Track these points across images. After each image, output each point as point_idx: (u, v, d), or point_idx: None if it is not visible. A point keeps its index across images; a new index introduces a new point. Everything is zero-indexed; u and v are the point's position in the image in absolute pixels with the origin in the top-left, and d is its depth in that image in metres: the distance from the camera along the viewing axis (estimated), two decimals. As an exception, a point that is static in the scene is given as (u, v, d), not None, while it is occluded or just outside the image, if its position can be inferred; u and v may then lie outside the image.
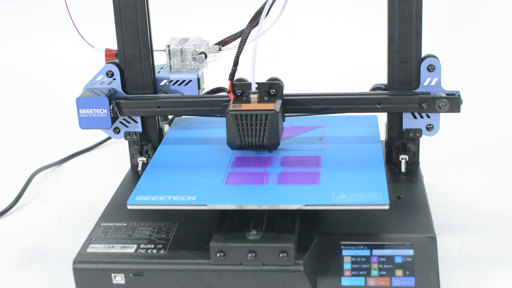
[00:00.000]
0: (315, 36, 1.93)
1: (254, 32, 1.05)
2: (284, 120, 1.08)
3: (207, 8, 1.96)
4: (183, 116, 1.21)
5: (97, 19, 1.71)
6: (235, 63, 1.03)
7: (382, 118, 1.16)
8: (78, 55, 1.78)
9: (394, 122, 1.11)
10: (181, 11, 1.96)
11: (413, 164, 1.12)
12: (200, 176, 1.01)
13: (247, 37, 1.03)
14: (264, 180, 0.98)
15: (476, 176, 1.30)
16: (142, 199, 0.95)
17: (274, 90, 1.05)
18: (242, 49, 1.03)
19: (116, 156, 1.45)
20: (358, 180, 0.97)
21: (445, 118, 1.13)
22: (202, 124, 1.21)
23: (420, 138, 1.12)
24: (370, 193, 0.93)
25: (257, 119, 1.01)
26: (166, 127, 1.21)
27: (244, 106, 1.03)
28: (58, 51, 1.97)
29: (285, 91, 1.07)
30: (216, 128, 1.17)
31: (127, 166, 1.21)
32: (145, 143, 1.17)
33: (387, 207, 0.90)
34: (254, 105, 1.03)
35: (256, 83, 1.04)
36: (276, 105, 1.02)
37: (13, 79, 1.93)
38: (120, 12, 1.09)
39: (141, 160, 1.17)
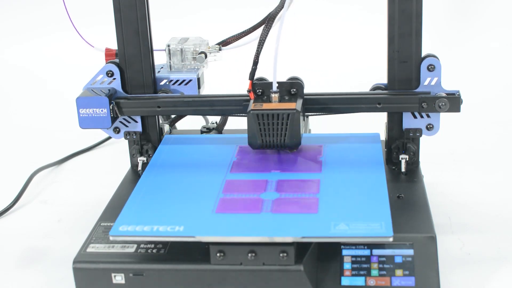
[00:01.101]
0: (314, 36, 1.93)
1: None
2: (304, 120, 1.06)
3: (207, 8, 1.96)
4: (172, 135, 1.20)
5: (97, 19, 1.72)
6: (255, 62, 1.03)
7: (382, 117, 1.16)
8: (78, 55, 1.78)
9: (394, 122, 1.11)
10: (181, 11, 1.96)
11: (413, 164, 1.12)
12: (189, 203, 0.97)
13: (266, 36, 1.03)
14: (258, 208, 0.94)
15: (476, 176, 1.30)
16: (126, 230, 0.91)
17: (295, 90, 1.05)
18: (261, 48, 1.02)
19: (116, 156, 1.45)
20: (360, 208, 0.93)
21: (445, 118, 1.13)
22: (192, 142, 1.16)
23: (420, 138, 1.12)
24: (372, 224, 0.89)
25: (279, 119, 1.00)
26: (166, 127, 1.21)
27: (266, 106, 1.02)
28: (58, 51, 1.97)
29: None
30: (206, 149, 1.13)
31: (127, 166, 1.21)
32: (145, 143, 1.17)
33: (391, 239, 0.87)
34: (275, 104, 1.02)
35: (277, 82, 1.03)
36: (298, 105, 1.01)
37: (13, 79, 1.93)
38: (120, 12, 1.09)
39: (141, 160, 1.17)
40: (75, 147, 1.50)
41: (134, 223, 0.92)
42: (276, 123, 1.00)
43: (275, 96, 1.03)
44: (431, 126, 1.09)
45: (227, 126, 1.31)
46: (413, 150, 1.12)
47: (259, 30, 1.07)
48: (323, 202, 0.95)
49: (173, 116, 1.26)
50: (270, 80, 1.06)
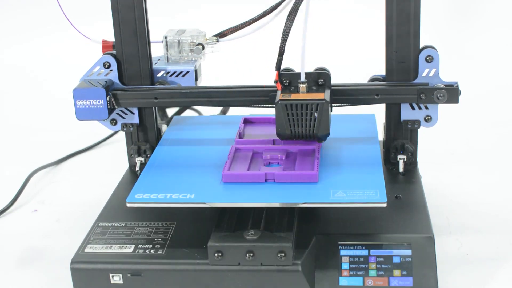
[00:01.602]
0: (312, 28, 1.93)
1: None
2: (331, 111, 1.06)
3: (205, 2, 1.96)
4: (181, 115, 1.22)
5: (94, 14, 1.71)
6: (281, 53, 1.01)
7: (380, 118, 1.16)
8: (77, 55, 1.78)
9: (392, 114, 1.11)
10: (179, 5, 1.96)
11: (411, 164, 1.12)
12: (198, 175, 1.01)
13: (290, 28, 1.01)
14: (262, 179, 0.98)
15: (475, 176, 1.30)
16: (141, 197, 0.95)
17: (322, 80, 1.04)
18: (286, 39, 1.01)
19: (114, 156, 1.45)
20: (356, 178, 0.97)
21: (445, 118, 1.13)
22: (199, 124, 1.21)
23: (420, 138, 1.12)
24: (368, 191, 0.93)
25: (308, 109, 0.99)
26: (164, 127, 1.21)
27: (294, 96, 1.01)
28: (56, 51, 1.96)
29: None
30: (213, 127, 1.17)
31: (125, 166, 1.21)
32: (143, 143, 1.17)
33: (384, 204, 0.91)
34: (303, 94, 1.02)
35: (305, 73, 1.03)
36: (326, 95, 1.01)
37: (11, 79, 1.92)
38: (117, 4, 1.09)
39: (139, 160, 1.16)
40: (73, 147, 1.50)
41: (149, 192, 0.96)
42: (305, 114, 1.00)
43: (303, 87, 1.02)
44: (429, 117, 1.09)
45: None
46: (411, 150, 1.12)
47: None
48: (323, 174, 0.98)
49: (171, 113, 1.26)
50: (297, 70, 1.05)
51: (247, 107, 1.12)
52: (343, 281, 0.93)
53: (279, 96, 1.01)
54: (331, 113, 1.04)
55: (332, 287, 0.93)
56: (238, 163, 1.03)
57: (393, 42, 1.06)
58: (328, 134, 1.02)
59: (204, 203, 0.93)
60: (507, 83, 1.71)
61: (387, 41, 1.07)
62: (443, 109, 1.12)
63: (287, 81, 1.04)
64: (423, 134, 1.15)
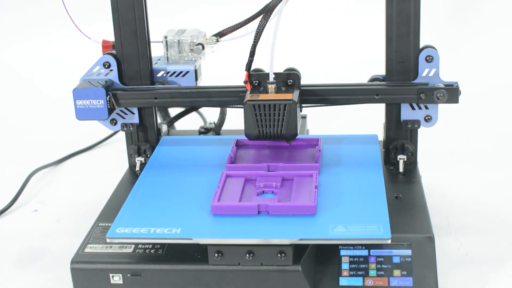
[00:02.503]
0: (313, 28, 1.93)
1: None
2: (301, 111, 1.06)
3: (205, 2, 1.96)
4: (169, 136, 1.20)
5: (95, 15, 1.71)
6: (252, 54, 1.02)
7: (380, 118, 1.15)
8: (77, 55, 1.78)
9: (392, 114, 1.11)
10: (179, 5, 1.96)
11: (411, 164, 1.12)
12: (186, 205, 0.97)
13: (263, 27, 1.02)
14: (255, 211, 0.93)
15: (475, 176, 1.30)
16: (123, 232, 0.91)
17: (291, 80, 1.04)
18: (258, 40, 1.02)
19: (114, 156, 1.45)
20: (358, 210, 0.93)
21: (445, 118, 1.13)
22: (189, 145, 1.16)
23: (420, 138, 1.12)
24: (370, 226, 0.89)
25: (276, 109, 0.99)
26: (164, 127, 1.21)
27: (262, 96, 1.01)
28: (56, 51, 1.96)
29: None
30: (203, 150, 1.13)
31: (125, 166, 1.21)
32: (143, 143, 1.17)
33: (389, 241, 0.87)
34: (272, 95, 1.02)
35: (274, 73, 1.03)
36: (294, 95, 1.01)
37: (12, 79, 1.92)
38: (117, 4, 1.09)
39: (139, 160, 1.16)
40: (73, 147, 1.50)
41: (131, 225, 0.92)
42: (273, 114, 1.00)
43: (271, 87, 1.03)
44: (429, 117, 1.09)
45: (224, 127, 1.31)
46: (411, 150, 1.12)
47: (256, 22, 1.06)
48: (321, 205, 0.94)
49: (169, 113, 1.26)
50: (267, 71, 1.05)
51: (218, 107, 1.11)
52: (343, 281, 0.93)
53: (247, 96, 1.01)
54: (300, 114, 1.04)
55: (332, 287, 0.93)
56: (229, 192, 0.98)
57: (393, 42, 1.06)
58: (296, 135, 1.01)
59: (190, 239, 0.89)
60: (507, 83, 1.71)
61: (387, 41, 1.07)
62: (443, 109, 1.12)
63: (257, 81, 1.04)
64: (423, 134, 1.15)
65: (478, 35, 1.87)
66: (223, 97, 1.09)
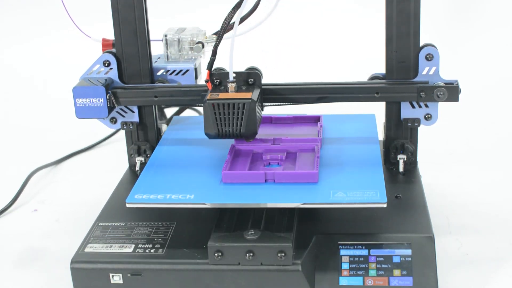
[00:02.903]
0: (312, 28, 1.93)
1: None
2: (262, 110, 1.07)
3: (205, 2, 1.96)
4: (180, 115, 1.21)
5: (94, 14, 1.71)
6: (214, 53, 1.03)
7: (380, 117, 1.16)
8: (77, 55, 1.78)
9: (392, 113, 1.11)
10: (179, 6, 1.96)
11: (411, 164, 1.12)
12: (198, 175, 1.01)
13: (225, 27, 1.02)
14: (262, 179, 0.98)
15: (475, 176, 1.30)
16: (141, 198, 0.95)
17: (252, 80, 1.05)
18: (220, 39, 1.03)
19: (114, 156, 1.45)
20: (356, 179, 0.97)
21: (445, 118, 1.13)
22: (199, 123, 1.19)
23: (420, 138, 1.12)
24: (367, 192, 0.93)
25: (234, 108, 1.00)
26: (164, 127, 1.21)
27: (222, 95, 1.02)
28: (56, 51, 1.96)
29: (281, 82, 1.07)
30: None
31: (125, 166, 1.21)
32: (143, 143, 1.17)
33: (384, 205, 0.91)
34: (231, 94, 1.02)
35: (234, 72, 1.03)
36: (254, 94, 1.01)
37: (12, 79, 1.92)
38: (117, 3, 1.09)
39: (139, 160, 1.16)
40: (73, 147, 1.50)
41: (148, 192, 0.96)
42: (232, 113, 1.00)
43: (231, 86, 1.03)
44: (429, 116, 1.09)
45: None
46: (411, 150, 1.12)
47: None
48: (323, 174, 0.98)
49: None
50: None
51: (180, 106, 1.12)
52: (343, 281, 0.93)
53: (208, 95, 1.02)
54: (258, 113, 1.04)
55: (332, 287, 0.93)
56: (238, 163, 1.03)
57: (393, 42, 1.06)
58: (256, 133, 1.02)
59: (204, 204, 0.93)
60: (507, 83, 1.71)
61: (387, 41, 1.07)
62: (443, 109, 1.12)
63: (218, 80, 1.05)
64: (423, 134, 1.15)
65: (478, 35, 1.87)
66: (184, 96, 1.10)
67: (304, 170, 0.99)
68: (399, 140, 1.12)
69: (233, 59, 1.02)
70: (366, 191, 0.94)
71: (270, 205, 0.94)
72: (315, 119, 1.17)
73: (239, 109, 1.00)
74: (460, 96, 1.05)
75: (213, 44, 1.05)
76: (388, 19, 1.06)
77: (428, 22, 1.21)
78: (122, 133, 1.42)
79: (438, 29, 1.82)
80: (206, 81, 1.05)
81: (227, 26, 1.03)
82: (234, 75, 1.03)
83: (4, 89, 1.89)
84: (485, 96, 1.66)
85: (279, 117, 1.18)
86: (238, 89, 1.04)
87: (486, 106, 1.62)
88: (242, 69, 1.07)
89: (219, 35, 1.04)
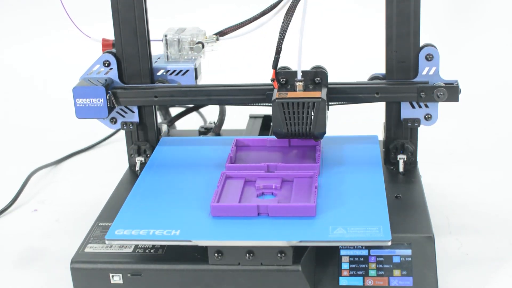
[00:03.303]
0: (312, 28, 1.93)
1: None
2: (328, 109, 1.05)
3: (205, 3, 1.96)
4: (169, 137, 1.20)
5: (95, 14, 1.71)
6: (278, 51, 1.02)
7: (380, 118, 1.15)
8: (77, 55, 1.78)
9: (392, 112, 1.11)
10: (179, 6, 1.96)
11: (411, 164, 1.12)
12: (185, 206, 0.96)
13: (287, 26, 1.01)
14: (254, 212, 0.93)
15: (475, 176, 1.30)
16: (122, 233, 0.91)
17: (319, 79, 1.04)
18: (283, 37, 1.01)
19: (114, 156, 1.45)
20: (358, 212, 0.92)
21: (445, 118, 1.13)
22: (188, 145, 1.15)
23: (420, 138, 1.12)
24: (370, 228, 0.88)
25: (304, 107, 0.99)
26: (164, 127, 1.21)
27: (291, 94, 1.01)
28: (56, 51, 1.96)
29: None
30: (203, 150, 1.13)
31: (125, 166, 1.20)
32: (143, 143, 1.17)
33: (389, 243, 0.87)
34: (300, 93, 1.01)
35: (301, 71, 1.03)
36: (323, 93, 1.01)
37: (11, 79, 1.92)
38: (117, 4, 1.09)
39: (139, 160, 1.16)
40: (73, 147, 1.50)
41: (130, 227, 0.92)
42: (301, 112, 0.99)
43: (299, 85, 1.02)
44: (429, 116, 1.09)
45: (224, 127, 1.31)
46: (411, 150, 1.12)
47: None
48: (321, 206, 0.94)
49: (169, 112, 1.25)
50: (293, 69, 1.05)
51: (245, 105, 1.12)
52: (343, 281, 0.93)
53: (275, 94, 1.01)
54: (328, 112, 1.03)
55: (332, 287, 0.93)
56: (228, 193, 0.98)
57: (393, 42, 1.06)
58: (325, 133, 1.01)
59: (190, 241, 0.89)
60: (506, 83, 1.71)
61: (387, 41, 1.07)
62: (443, 109, 1.12)
63: (284, 79, 1.04)
64: (423, 134, 1.15)
65: (478, 35, 1.87)
66: (247, 95, 1.09)
67: (301, 202, 0.94)
68: (399, 140, 1.12)
69: (301, 57, 1.00)
70: (368, 226, 0.89)
71: (262, 243, 0.89)
72: (314, 143, 1.10)
73: (308, 108, 0.99)
74: (460, 96, 1.05)
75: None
76: (388, 19, 1.06)
77: (428, 22, 1.21)
78: (122, 133, 1.42)
79: (438, 29, 1.82)
80: (272, 80, 1.03)
81: (287, 28, 1.01)
82: (302, 74, 1.02)
83: (4, 89, 1.89)
84: (485, 96, 1.66)
85: (274, 139, 1.11)
86: (305, 88, 1.02)
87: (486, 106, 1.62)
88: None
89: (281, 34, 1.01)
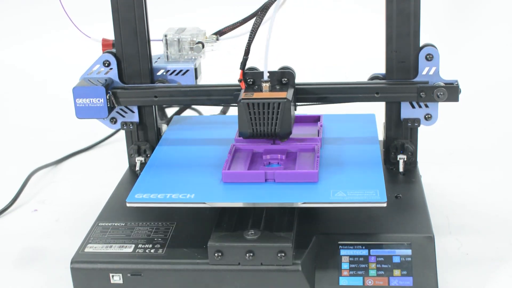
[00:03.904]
0: (312, 28, 1.93)
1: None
2: (295, 109, 1.07)
3: (205, 3, 1.96)
4: (181, 115, 1.21)
5: (95, 15, 1.71)
6: (246, 52, 1.02)
7: (380, 117, 1.16)
8: (77, 55, 1.78)
9: (393, 113, 1.11)
10: (179, 6, 1.96)
11: (411, 164, 1.12)
12: (198, 174, 1.01)
13: (258, 26, 1.02)
14: (262, 178, 0.97)
15: (475, 176, 1.30)
16: (141, 197, 0.95)
17: (286, 79, 1.05)
18: (253, 38, 1.02)
19: (114, 155, 1.45)
20: (356, 178, 0.97)
21: (445, 118, 1.13)
22: (199, 123, 1.21)
23: (420, 138, 1.12)
24: (368, 191, 0.93)
25: (270, 108, 1.00)
26: (164, 127, 1.21)
27: (256, 95, 1.02)
28: (56, 51, 1.96)
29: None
30: (213, 127, 1.18)
31: (125, 166, 1.21)
32: (143, 143, 1.17)
33: (384, 204, 0.91)
34: (266, 93, 1.02)
35: (268, 72, 1.03)
36: (288, 94, 1.01)
37: (11, 79, 1.92)
38: (117, 3, 1.09)
39: (139, 159, 1.16)
40: (73, 147, 1.50)
41: (148, 191, 0.96)
42: (267, 112, 1.00)
43: (266, 85, 1.03)
44: (429, 116, 1.09)
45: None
46: (411, 150, 1.12)
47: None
48: (323, 174, 0.98)
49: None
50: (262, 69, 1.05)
51: (213, 105, 1.13)
52: (343, 281, 0.93)
53: (242, 95, 1.02)
54: (294, 112, 1.05)
55: (332, 287, 0.93)
56: (238, 163, 1.02)
57: (393, 42, 1.06)
58: (290, 133, 1.02)
59: (204, 203, 0.93)
60: (506, 83, 1.71)
61: (387, 41, 1.07)
62: (443, 109, 1.12)
63: (251, 80, 1.05)
64: (423, 134, 1.15)
65: (478, 35, 1.87)
66: (217, 96, 1.10)
67: (304, 169, 0.99)
68: (399, 140, 1.12)
69: (268, 58, 1.01)
70: (366, 190, 0.93)
71: (270, 204, 0.94)
72: (315, 119, 1.17)
73: (274, 108, 1.00)
74: (460, 96, 1.05)
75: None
76: (388, 19, 1.06)
77: (428, 22, 1.21)
78: (122, 133, 1.42)
79: (438, 29, 1.82)
80: (239, 81, 1.04)
81: (259, 26, 1.02)
82: (268, 74, 1.03)
83: (4, 89, 1.89)
84: (485, 96, 1.66)
85: None
86: (272, 89, 1.03)
87: (486, 106, 1.62)
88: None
89: (252, 34, 1.02)
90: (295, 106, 1.07)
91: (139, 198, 0.95)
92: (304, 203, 0.92)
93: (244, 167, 1.01)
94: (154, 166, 1.05)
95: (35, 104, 1.79)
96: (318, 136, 1.09)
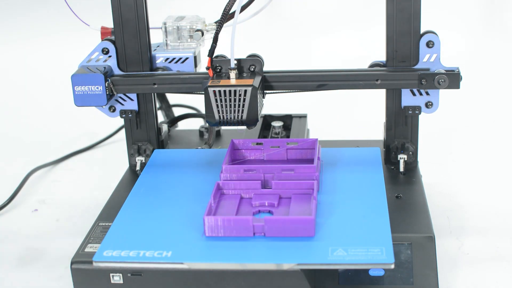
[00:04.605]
0: (313, 28, 1.93)
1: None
2: (264, 97, 1.06)
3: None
4: (161, 149, 1.18)
5: (94, 4, 1.70)
6: (215, 40, 1.03)
7: (380, 118, 1.15)
8: (77, 55, 1.77)
9: (393, 103, 1.10)
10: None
11: (412, 163, 1.12)
12: (177, 226, 0.93)
13: (227, 14, 1.02)
14: (250, 231, 0.89)
15: (475, 176, 1.29)
16: (111, 255, 0.88)
17: (253, 66, 1.05)
18: (221, 26, 1.03)
19: (114, 155, 1.45)
20: (359, 231, 0.89)
21: (445, 118, 1.12)
22: (181, 159, 1.13)
23: (420, 138, 1.12)
24: (372, 249, 0.85)
25: (236, 95, 0.99)
26: (164, 127, 1.21)
27: (223, 82, 1.01)
28: (56, 51, 1.96)
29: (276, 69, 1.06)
30: (196, 165, 1.10)
31: (125, 166, 1.20)
32: (144, 143, 1.17)
33: (392, 266, 0.83)
34: (232, 81, 1.02)
35: (236, 59, 1.03)
36: (255, 81, 1.01)
37: (11, 79, 1.92)
38: None
39: (139, 159, 1.16)
40: (73, 147, 1.50)
41: (119, 248, 0.89)
42: (233, 100, 1.00)
43: (233, 73, 1.03)
44: (430, 103, 1.08)
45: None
46: (412, 149, 1.12)
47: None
48: (321, 224, 0.91)
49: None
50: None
51: (180, 93, 1.11)
52: (343, 281, 0.93)
53: (209, 82, 1.01)
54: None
55: (332, 287, 0.93)
56: (223, 213, 0.95)
57: (394, 42, 1.06)
58: (257, 120, 1.01)
59: (182, 264, 0.86)
60: (506, 83, 1.71)
61: (387, 40, 1.06)
62: (443, 109, 1.12)
63: (219, 67, 1.05)
64: (424, 133, 1.15)
65: (479, 35, 1.87)
66: (186, 84, 1.08)
67: (299, 223, 0.88)
68: (400, 140, 1.12)
69: (234, 46, 1.01)
70: (370, 247, 0.85)
71: (259, 265, 0.86)
72: (311, 152, 1.06)
73: (240, 96, 0.99)
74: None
75: (214, 31, 1.05)
76: (389, 18, 1.05)
77: (429, 22, 1.21)
78: (122, 133, 1.42)
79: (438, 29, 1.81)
80: (207, 68, 1.04)
81: (228, 13, 1.02)
82: (235, 62, 1.03)
83: (3, 88, 1.89)
84: (485, 96, 1.66)
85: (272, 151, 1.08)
86: (239, 76, 1.03)
87: (487, 106, 1.62)
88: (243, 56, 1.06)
89: (220, 22, 1.03)
90: (264, 93, 1.06)
91: (108, 256, 0.87)
92: (298, 264, 0.85)
93: (230, 216, 0.91)
94: (128, 214, 0.97)
95: (35, 104, 1.78)
96: (316, 174, 0.99)
